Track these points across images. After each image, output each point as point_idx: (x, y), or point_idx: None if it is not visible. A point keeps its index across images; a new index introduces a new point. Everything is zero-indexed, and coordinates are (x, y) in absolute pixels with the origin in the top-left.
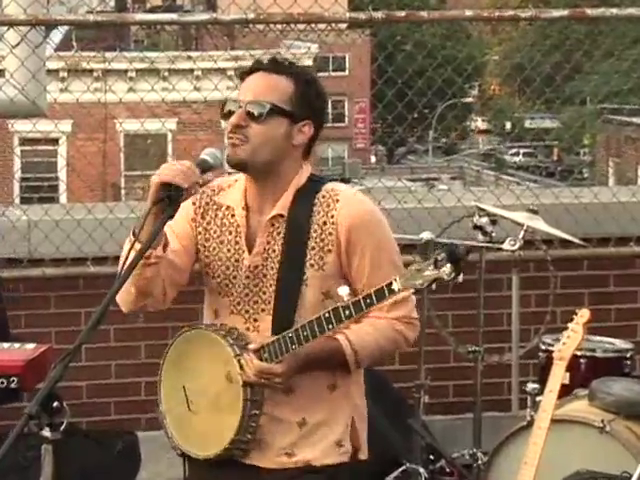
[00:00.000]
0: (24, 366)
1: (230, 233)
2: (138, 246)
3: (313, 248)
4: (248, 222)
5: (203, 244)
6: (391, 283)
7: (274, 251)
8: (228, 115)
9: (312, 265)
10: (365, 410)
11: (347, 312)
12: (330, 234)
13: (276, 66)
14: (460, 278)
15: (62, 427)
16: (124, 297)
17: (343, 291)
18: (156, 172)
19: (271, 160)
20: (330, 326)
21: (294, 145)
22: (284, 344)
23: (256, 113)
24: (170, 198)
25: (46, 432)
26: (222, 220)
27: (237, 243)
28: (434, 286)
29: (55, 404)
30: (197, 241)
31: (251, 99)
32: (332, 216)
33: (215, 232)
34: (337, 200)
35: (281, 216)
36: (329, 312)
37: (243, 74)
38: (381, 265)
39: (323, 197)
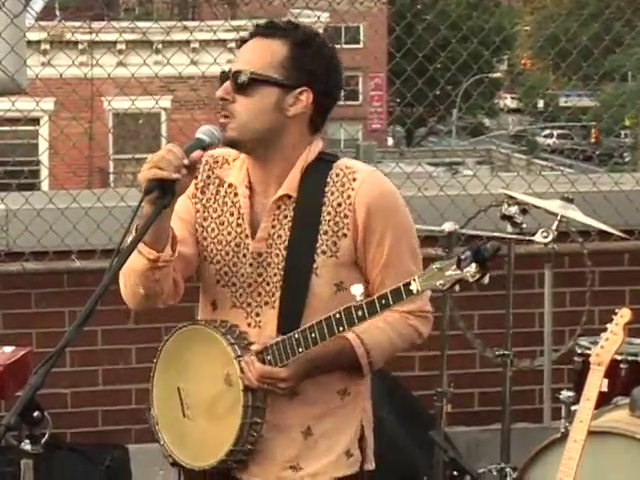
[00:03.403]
0: (2, 371)
1: (232, 214)
2: (141, 246)
3: (325, 232)
4: (252, 203)
5: (201, 223)
6: (409, 283)
7: (280, 236)
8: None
9: (324, 252)
10: (371, 413)
11: (360, 313)
12: (345, 216)
13: (271, 30)
14: (486, 279)
15: (44, 439)
16: (131, 296)
17: (357, 290)
18: (146, 158)
19: (263, 135)
20: (341, 328)
21: (290, 116)
22: (289, 346)
23: (240, 83)
24: (163, 190)
25: (26, 445)
26: (224, 198)
27: (239, 226)
28: (457, 287)
29: (36, 414)
30: (195, 219)
31: (237, 67)
32: (348, 196)
33: (215, 211)
34: (354, 179)
35: (288, 197)
36: (340, 312)
37: (242, 42)
38: (401, 254)
39: (337, 175)
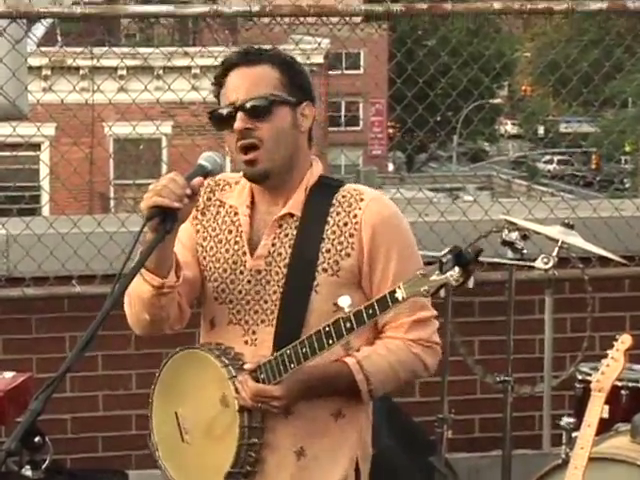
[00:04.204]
0: (2, 397)
1: (230, 232)
2: (145, 273)
3: (328, 250)
4: (251, 221)
5: (201, 243)
6: (394, 291)
7: (280, 254)
8: (221, 123)
9: (325, 270)
10: (370, 450)
11: (348, 324)
12: (351, 235)
13: (250, 57)
14: (470, 283)
15: (44, 465)
16: (136, 322)
17: (344, 302)
18: (148, 185)
19: (289, 157)
20: (330, 341)
21: (302, 132)
22: (281, 363)
23: (260, 109)
24: (165, 216)
25: (27, 471)
26: (223, 218)
27: (237, 243)
28: (442, 292)
29: (36, 439)
30: (196, 240)
31: (246, 97)
32: (355, 215)
33: (214, 230)
34: (361, 199)
35: (291, 216)
36: (329, 325)
37: (218, 78)
38: (408, 274)
39: (343, 197)
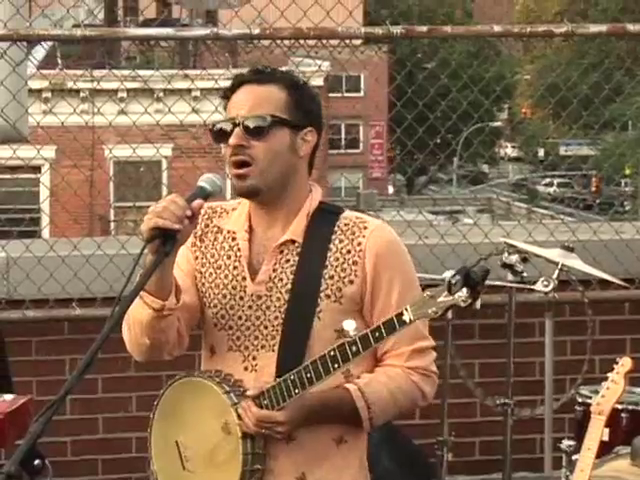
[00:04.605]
0: (2, 420)
1: (229, 257)
2: (145, 296)
3: (331, 277)
4: (251, 246)
5: (199, 270)
6: (402, 313)
7: (281, 280)
8: (220, 136)
9: (328, 296)
10: (368, 470)
11: (354, 348)
12: (355, 263)
13: (262, 76)
14: (478, 304)
15: None
16: (136, 348)
17: (349, 326)
18: (148, 208)
19: (282, 178)
20: (336, 365)
21: (301, 157)
22: (285, 388)
23: (257, 128)
24: (165, 238)
25: None
26: (222, 244)
27: (236, 268)
28: (450, 314)
29: (37, 462)
30: (194, 267)
31: (247, 114)
32: (359, 243)
33: (213, 256)
34: (365, 227)
35: (292, 242)
36: (334, 349)
37: (227, 92)
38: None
39: (346, 225)
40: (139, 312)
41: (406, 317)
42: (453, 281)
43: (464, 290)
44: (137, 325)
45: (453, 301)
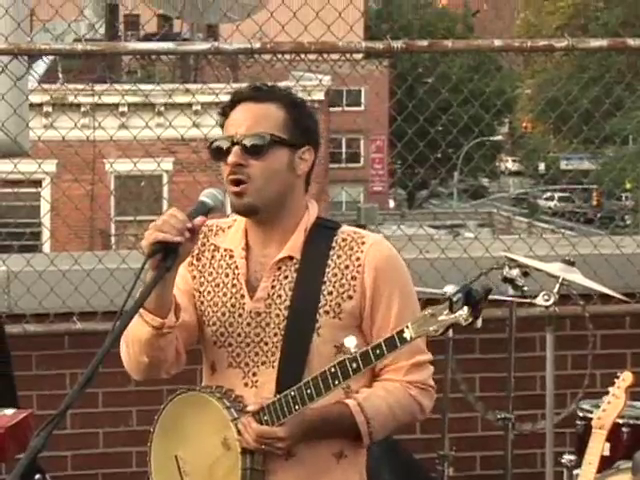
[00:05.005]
0: (3, 434)
1: (227, 275)
2: (145, 314)
3: (330, 293)
4: (248, 264)
5: (198, 289)
6: (402, 331)
7: (280, 296)
8: (218, 154)
9: (327, 312)
10: None
11: (355, 365)
12: (353, 278)
13: (260, 93)
14: (479, 323)
15: None
16: (134, 366)
17: (350, 342)
18: (149, 222)
19: (279, 197)
20: (336, 381)
21: (299, 175)
22: (286, 404)
23: (255, 146)
24: (166, 253)
25: None
26: (219, 262)
27: (234, 286)
28: (450, 332)
29: (37, 476)
30: (192, 286)
31: (246, 132)
32: (357, 258)
33: (211, 274)
34: (363, 242)
35: (290, 258)
36: (335, 366)
37: (225, 109)
38: (408, 320)
39: (343, 240)
40: (138, 330)
41: (407, 335)
42: (454, 299)
43: (465, 309)
44: (136, 343)
45: (454, 319)
